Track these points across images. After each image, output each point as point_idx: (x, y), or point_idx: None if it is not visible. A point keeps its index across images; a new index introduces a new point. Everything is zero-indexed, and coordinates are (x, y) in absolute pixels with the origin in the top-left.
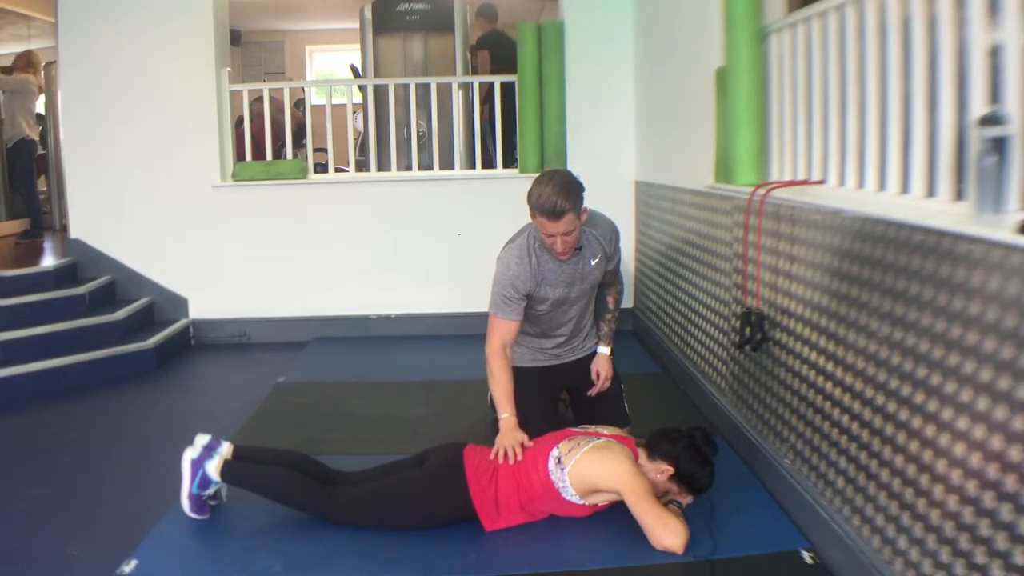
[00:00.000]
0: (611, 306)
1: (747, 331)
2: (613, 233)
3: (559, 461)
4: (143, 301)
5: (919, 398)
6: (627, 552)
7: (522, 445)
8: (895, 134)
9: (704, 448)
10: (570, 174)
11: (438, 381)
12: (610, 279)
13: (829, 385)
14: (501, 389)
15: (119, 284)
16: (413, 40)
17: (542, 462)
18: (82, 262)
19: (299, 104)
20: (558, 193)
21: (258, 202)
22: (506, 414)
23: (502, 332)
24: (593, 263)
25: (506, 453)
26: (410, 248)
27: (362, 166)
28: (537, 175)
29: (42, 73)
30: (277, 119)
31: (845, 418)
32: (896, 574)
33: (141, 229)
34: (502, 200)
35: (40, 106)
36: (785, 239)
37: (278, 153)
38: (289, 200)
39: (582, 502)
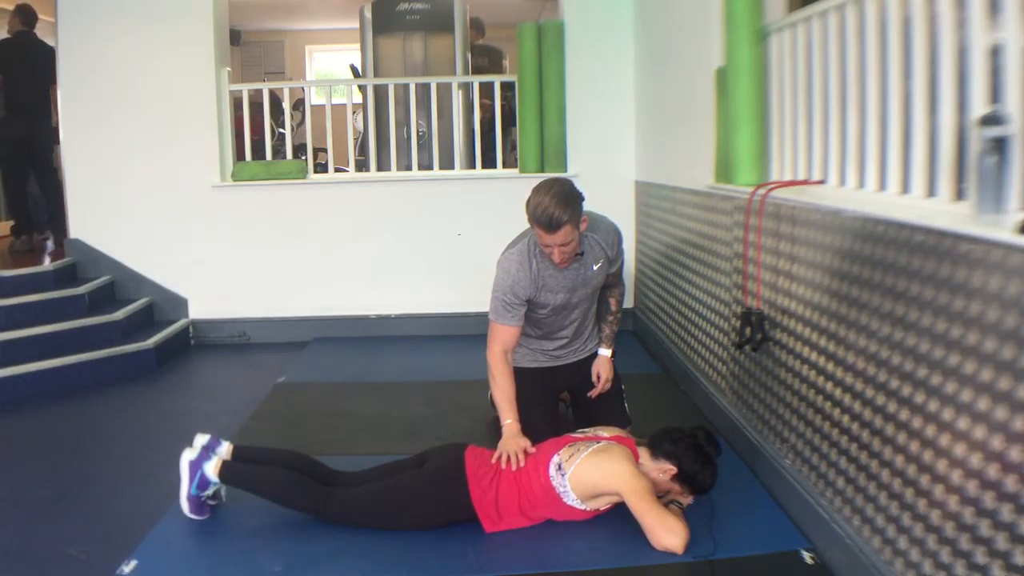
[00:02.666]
0: (613, 308)
1: (747, 331)
2: (615, 236)
3: (559, 467)
4: (143, 301)
5: (919, 398)
6: (627, 552)
7: (525, 451)
8: (895, 134)
9: (707, 448)
10: (569, 184)
11: (438, 381)
12: (612, 281)
13: (829, 385)
14: (503, 395)
15: (119, 284)
16: (413, 40)
17: (543, 469)
18: (82, 262)
19: (299, 105)
20: (556, 204)
21: (258, 202)
22: (509, 420)
23: (503, 337)
24: (595, 268)
25: (509, 459)
26: (410, 248)
27: (362, 166)
28: (537, 183)
29: None
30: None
31: (845, 418)
32: (896, 574)
33: (141, 229)
34: (502, 200)
35: None
36: (785, 239)
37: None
38: (289, 200)
39: (583, 507)
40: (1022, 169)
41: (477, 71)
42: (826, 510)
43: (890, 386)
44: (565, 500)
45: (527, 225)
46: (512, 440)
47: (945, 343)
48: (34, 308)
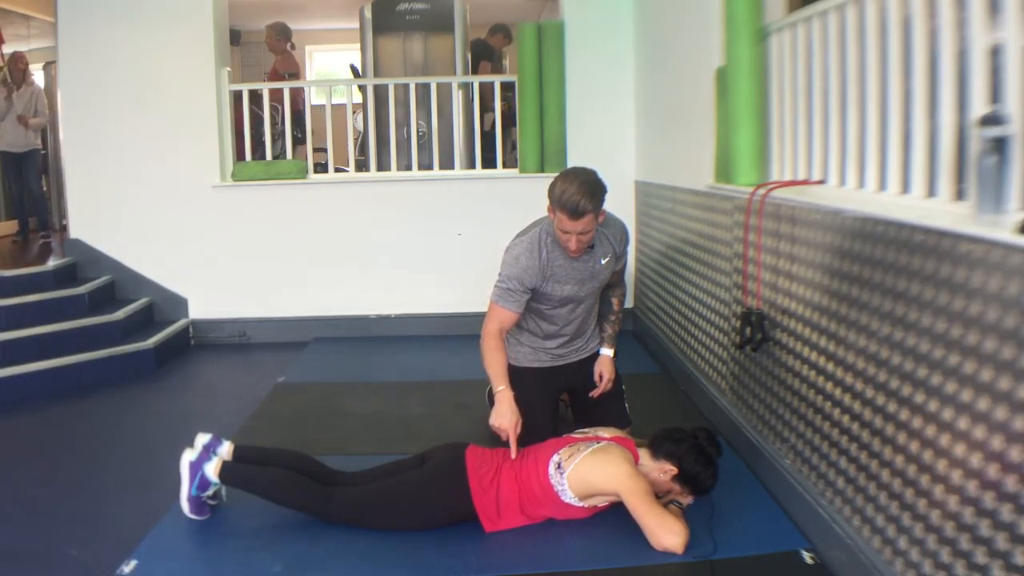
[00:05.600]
0: (615, 308)
1: (747, 331)
2: (623, 234)
3: (559, 466)
4: (143, 301)
5: (919, 398)
6: (627, 552)
7: (515, 426)
8: (895, 134)
9: (708, 449)
10: (596, 174)
11: (438, 381)
12: (616, 280)
13: (829, 385)
14: (496, 365)
15: (119, 284)
16: (413, 40)
17: (543, 468)
18: (82, 262)
19: (299, 104)
20: (583, 192)
21: (258, 202)
22: (502, 387)
23: (500, 319)
24: (603, 262)
25: (509, 448)
26: (410, 248)
27: (362, 166)
28: (564, 170)
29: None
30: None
31: (845, 418)
32: (896, 574)
33: (141, 229)
34: (502, 200)
35: None
36: (785, 239)
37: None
38: (289, 200)
39: (581, 504)
40: (1022, 169)
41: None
42: (826, 510)
43: (890, 386)
44: (563, 498)
45: (527, 225)
46: (507, 413)
47: (945, 343)
48: (34, 308)
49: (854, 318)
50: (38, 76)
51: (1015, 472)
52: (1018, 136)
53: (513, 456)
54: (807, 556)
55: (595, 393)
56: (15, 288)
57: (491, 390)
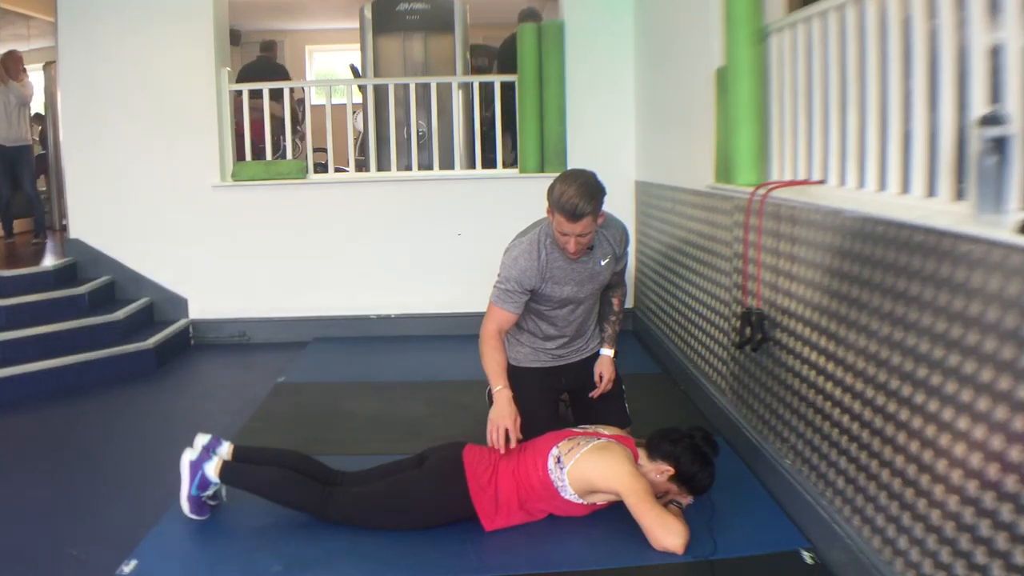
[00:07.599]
0: (616, 308)
1: (747, 331)
2: (623, 235)
3: (558, 460)
4: (143, 301)
5: (919, 398)
6: (627, 552)
7: (515, 423)
8: (895, 134)
9: (705, 449)
10: (595, 176)
11: (438, 381)
12: (616, 281)
13: (829, 385)
14: (495, 364)
15: (119, 284)
16: (413, 40)
17: (541, 461)
18: (82, 262)
19: (298, 105)
20: (581, 195)
21: (258, 202)
22: (500, 386)
23: (499, 320)
24: (603, 263)
25: (504, 439)
26: (410, 248)
27: (362, 166)
28: (563, 172)
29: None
30: (275, 115)
31: (845, 418)
32: (896, 574)
33: (141, 229)
34: (502, 200)
35: (39, 106)
36: (785, 239)
37: (276, 147)
38: (289, 200)
39: (580, 501)
40: (1022, 169)
41: (477, 71)
42: (826, 510)
43: (890, 386)
44: (562, 494)
45: (527, 225)
46: (506, 411)
47: (945, 343)
48: (34, 308)
49: (854, 318)
50: (38, 76)
51: (1015, 472)
52: (1018, 136)
53: (507, 451)
54: (807, 556)
55: (595, 393)
56: (15, 288)
57: (490, 390)
